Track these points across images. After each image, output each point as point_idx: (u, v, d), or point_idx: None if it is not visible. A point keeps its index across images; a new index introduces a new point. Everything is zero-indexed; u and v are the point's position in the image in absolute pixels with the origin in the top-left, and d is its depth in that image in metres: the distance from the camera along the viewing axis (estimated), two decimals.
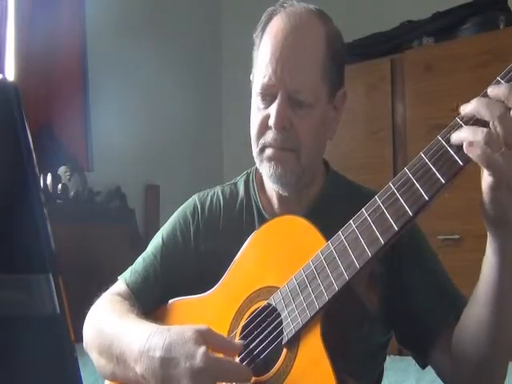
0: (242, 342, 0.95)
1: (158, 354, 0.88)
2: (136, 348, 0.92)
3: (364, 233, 0.84)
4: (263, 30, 1.08)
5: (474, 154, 0.74)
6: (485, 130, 0.73)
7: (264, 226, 1.05)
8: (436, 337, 1.01)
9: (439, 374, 1.03)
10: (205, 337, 0.88)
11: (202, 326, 0.90)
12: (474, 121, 0.76)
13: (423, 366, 1.07)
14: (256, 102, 1.07)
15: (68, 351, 0.54)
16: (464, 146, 0.75)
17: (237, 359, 0.96)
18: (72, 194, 2.84)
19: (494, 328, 0.88)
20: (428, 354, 1.03)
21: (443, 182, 0.77)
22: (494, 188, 0.75)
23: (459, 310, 0.97)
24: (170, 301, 1.14)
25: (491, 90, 0.76)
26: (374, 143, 3.05)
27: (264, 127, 1.05)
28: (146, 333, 0.93)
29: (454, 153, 0.77)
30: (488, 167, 0.73)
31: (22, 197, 0.53)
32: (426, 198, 0.78)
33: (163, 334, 0.90)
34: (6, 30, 2.70)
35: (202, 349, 0.85)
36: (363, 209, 0.86)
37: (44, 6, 2.79)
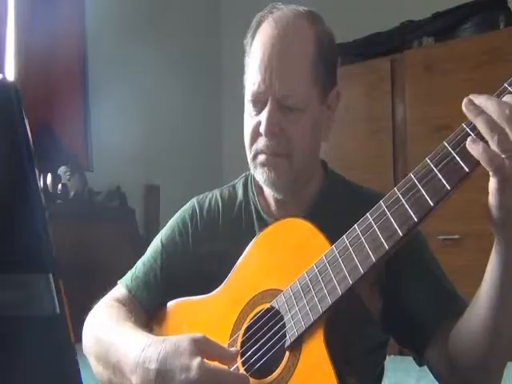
0: (237, 349, 0.95)
1: (153, 366, 0.88)
2: (132, 359, 0.92)
3: (368, 238, 0.84)
4: (252, 36, 1.09)
5: (479, 155, 0.74)
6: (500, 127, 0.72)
7: (267, 229, 1.05)
8: (433, 337, 1.00)
9: (435, 375, 1.03)
10: (200, 346, 0.87)
11: (197, 335, 0.89)
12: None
13: (421, 364, 1.07)
14: (248, 108, 1.08)
15: (68, 351, 0.54)
16: (468, 144, 0.75)
17: (239, 362, 0.96)
18: (72, 194, 2.84)
19: (493, 329, 0.88)
20: (424, 354, 1.03)
21: (449, 188, 0.77)
22: (501, 191, 0.75)
23: (457, 310, 0.97)
24: (172, 302, 1.14)
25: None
26: (374, 143, 3.05)
27: (256, 134, 1.06)
28: (141, 344, 0.93)
29: (460, 159, 0.76)
30: (495, 171, 0.73)
31: (22, 197, 0.53)
32: (432, 204, 0.78)
33: (158, 345, 0.90)
34: (6, 30, 2.70)
35: (197, 360, 0.85)
36: (368, 213, 0.86)
37: (44, 6, 2.79)
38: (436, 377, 1.03)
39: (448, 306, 1.01)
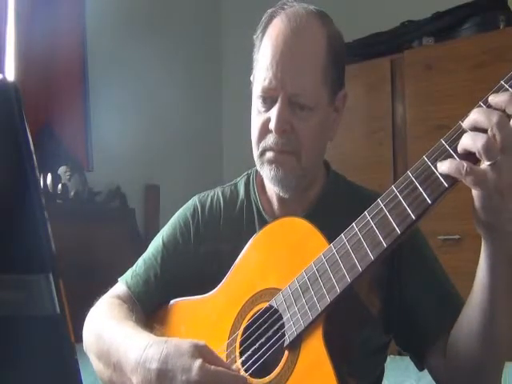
0: (239, 367, 0.94)
1: (154, 365, 0.88)
2: (132, 358, 0.92)
3: (367, 236, 0.84)
4: (263, 31, 1.07)
5: (450, 170, 0.75)
6: (484, 136, 0.73)
7: (266, 228, 1.05)
8: (434, 340, 1.00)
9: (434, 378, 1.03)
10: (201, 351, 0.88)
11: (200, 342, 0.90)
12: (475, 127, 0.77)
13: (421, 369, 1.06)
14: (256, 104, 1.07)
15: (68, 351, 0.53)
16: (438, 166, 0.77)
17: (238, 361, 0.96)
18: (72, 193, 2.84)
19: (486, 329, 0.88)
20: (425, 357, 1.02)
21: (446, 185, 0.77)
22: (485, 198, 0.76)
23: (459, 313, 0.97)
24: (172, 301, 1.14)
25: (492, 99, 0.76)
26: (373, 143, 3.05)
27: (265, 130, 1.05)
28: (142, 343, 0.93)
29: (458, 156, 0.77)
30: (475, 187, 0.75)
31: (22, 197, 0.53)
32: (429, 202, 0.78)
33: (160, 345, 0.90)
34: (6, 29, 2.69)
35: (198, 362, 0.85)
36: (366, 212, 0.86)
37: (44, 6, 2.79)
38: (435, 379, 1.03)
39: (450, 309, 1.01)
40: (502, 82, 0.77)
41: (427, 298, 1.03)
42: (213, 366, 0.86)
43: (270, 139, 1.04)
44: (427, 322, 1.02)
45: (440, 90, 2.83)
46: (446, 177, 0.77)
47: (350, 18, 3.10)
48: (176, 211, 1.24)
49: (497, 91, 0.77)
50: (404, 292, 1.04)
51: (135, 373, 0.91)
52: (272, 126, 1.03)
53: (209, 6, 3.97)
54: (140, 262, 1.19)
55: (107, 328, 1.04)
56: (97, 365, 1.04)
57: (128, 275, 1.19)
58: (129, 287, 1.16)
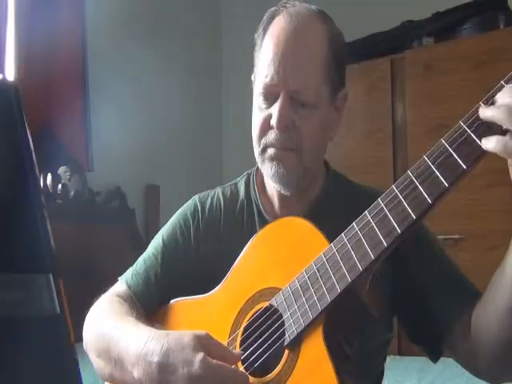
0: (241, 352, 0.94)
1: (155, 359, 0.88)
2: (133, 352, 0.92)
3: (367, 235, 0.85)
4: (265, 30, 1.08)
5: (495, 148, 0.73)
6: None
7: (266, 227, 1.05)
8: (452, 326, 0.99)
9: (460, 362, 1.02)
10: (203, 343, 0.87)
11: (201, 332, 0.89)
12: (479, 124, 0.76)
13: (435, 360, 1.05)
14: (258, 101, 1.07)
15: (68, 351, 0.53)
16: (483, 144, 0.75)
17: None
18: (72, 193, 2.84)
19: None
20: (446, 345, 1.01)
21: (446, 185, 0.77)
22: None
23: (473, 296, 0.97)
24: (172, 301, 1.14)
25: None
26: (374, 143, 3.05)
27: (266, 127, 1.05)
28: (143, 337, 0.93)
29: (458, 156, 0.77)
30: None
31: (22, 197, 0.53)
32: (430, 202, 0.78)
33: (161, 339, 0.90)
34: (6, 29, 2.69)
35: (200, 355, 0.85)
36: (366, 211, 0.86)
37: (44, 6, 2.79)
38: (462, 364, 1.01)
39: (464, 294, 1.00)
40: (502, 82, 0.77)
41: (440, 287, 1.02)
42: (215, 360, 0.86)
43: (272, 136, 1.04)
44: (442, 310, 1.00)
45: (440, 90, 2.83)
46: (447, 176, 0.77)
47: (350, 18, 3.09)
48: (176, 211, 1.24)
49: (497, 91, 0.77)
50: (416, 287, 1.03)
51: (136, 366, 0.90)
52: (274, 121, 1.03)
53: (209, 5, 3.97)
54: (140, 261, 1.20)
55: (107, 325, 1.05)
56: (97, 362, 1.04)
57: (128, 274, 1.19)
58: (129, 286, 1.16)
